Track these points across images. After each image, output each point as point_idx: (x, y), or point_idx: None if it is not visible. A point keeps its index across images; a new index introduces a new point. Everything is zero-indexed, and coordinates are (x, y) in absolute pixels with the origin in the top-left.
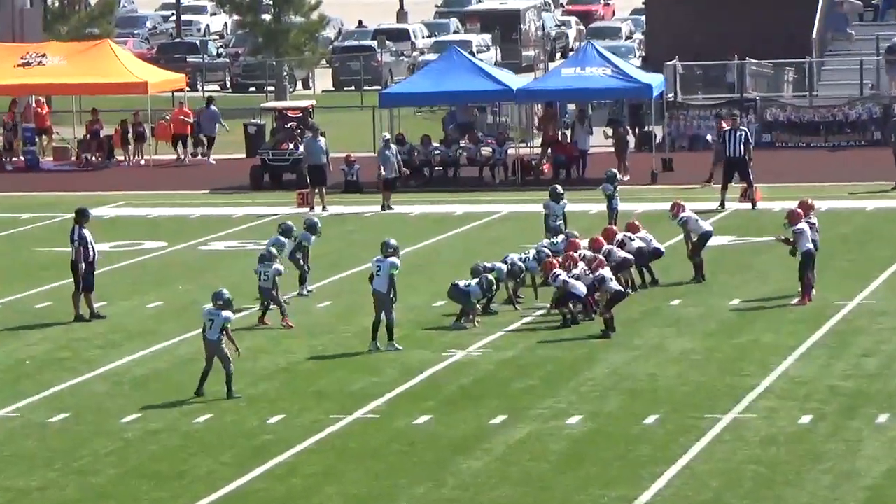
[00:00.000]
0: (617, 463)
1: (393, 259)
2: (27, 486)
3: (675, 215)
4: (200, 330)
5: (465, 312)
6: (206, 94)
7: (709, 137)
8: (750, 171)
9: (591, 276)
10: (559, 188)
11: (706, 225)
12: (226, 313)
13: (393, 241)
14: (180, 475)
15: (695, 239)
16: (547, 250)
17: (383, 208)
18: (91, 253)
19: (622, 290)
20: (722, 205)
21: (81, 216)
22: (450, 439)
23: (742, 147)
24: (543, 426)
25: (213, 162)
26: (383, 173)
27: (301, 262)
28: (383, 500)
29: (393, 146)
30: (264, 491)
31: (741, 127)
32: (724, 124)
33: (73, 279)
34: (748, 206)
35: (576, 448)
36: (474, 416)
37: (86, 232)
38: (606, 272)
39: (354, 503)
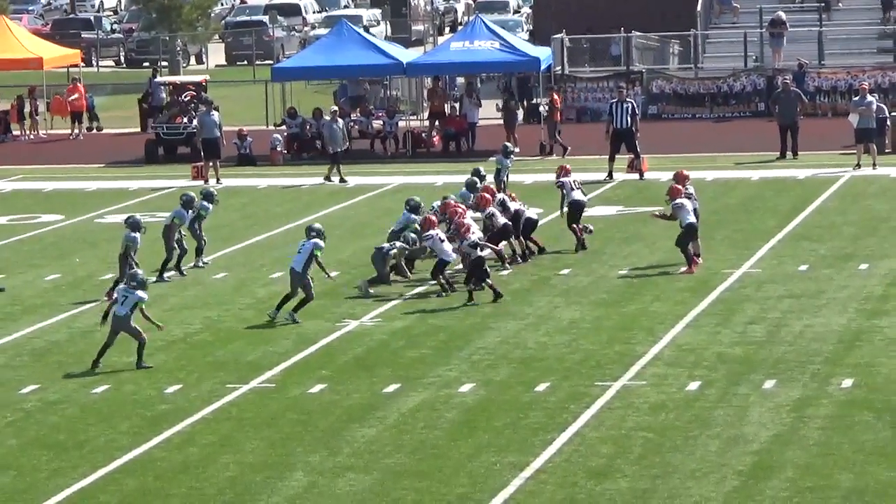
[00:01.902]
0: (508, 430)
1: (316, 240)
2: None
3: (557, 176)
4: (98, 301)
5: (378, 279)
6: (153, 69)
7: (541, 107)
8: (637, 142)
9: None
10: (510, 145)
11: (579, 194)
12: (140, 293)
13: (317, 225)
14: (79, 445)
15: (565, 208)
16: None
17: (328, 179)
18: None
19: (481, 256)
20: (610, 175)
21: None
22: (344, 408)
23: (629, 119)
24: (436, 394)
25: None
26: (330, 147)
27: (198, 231)
28: (279, 468)
29: (340, 120)
30: (162, 459)
31: (628, 99)
32: (556, 96)
33: None
34: (636, 176)
35: (468, 416)
36: (368, 385)
37: None
38: (474, 236)
39: (251, 471)
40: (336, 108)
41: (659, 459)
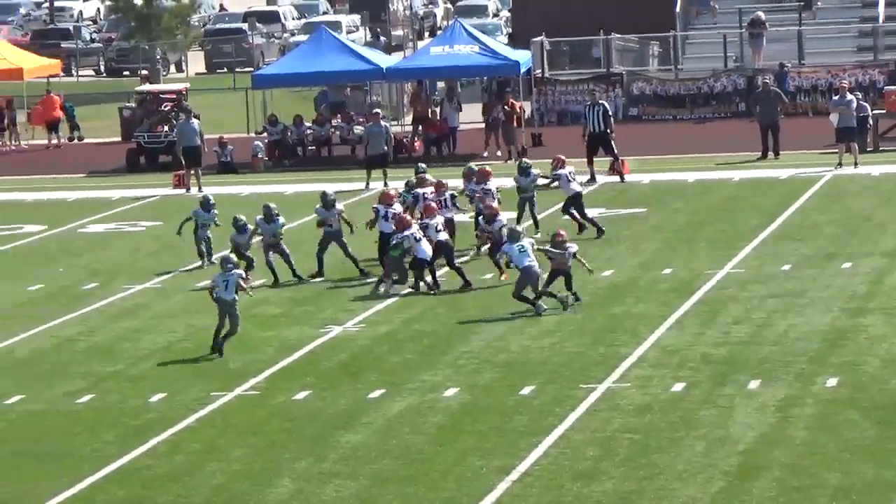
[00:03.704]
0: (494, 434)
1: (527, 240)
2: None
3: (553, 168)
4: (208, 292)
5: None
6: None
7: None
8: (613, 144)
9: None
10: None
11: (576, 185)
12: (237, 272)
13: (519, 228)
14: (65, 455)
15: (565, 198)
16: None
17: (367, 187)
18: None
19: (445, 241)
20: (592, 178)
21: None
22: (329, 414)
23: (602, 121)
24: (421, 399)
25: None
26: (369, 150)
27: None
28: (266, 475)
29: (383, 122)
30: (148, 468)
31: (600, 101)
32: (514, 101)
33: None
34: (617, 178)
35: (453, 420)
36: (353, 391)
37: None
38: (433, 221)
39: (237, 479)
40: (378, 110)
41: (645, 461)
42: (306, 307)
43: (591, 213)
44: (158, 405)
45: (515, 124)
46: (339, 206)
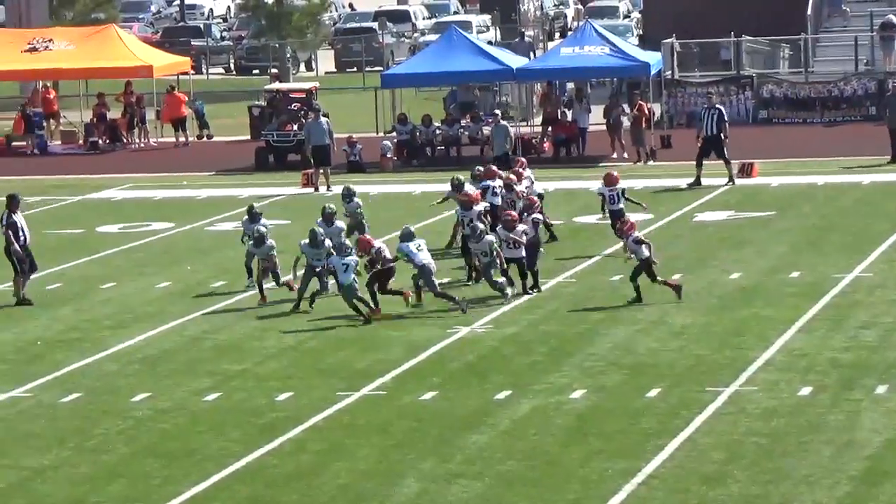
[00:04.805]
0: (620, 436)
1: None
2: (40, 465)
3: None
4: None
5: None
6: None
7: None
8: (725, 149)
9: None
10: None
11: (498, 200)
12: (354, 257)
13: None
14: (190, 453)
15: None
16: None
17: None
18: (22, 237)
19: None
20: (697, 181)
21: (11, 202)
22: (456, 415)
23: (716, 125)
24: (548, 401)
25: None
26: (494, 150)
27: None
28: (391, 475)
29: (503, 122)
30: (273, 467)
31: (717, 105)
32: (643, 103)
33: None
34: (748, 181)
35: (580, 422)
36: (479, 392)
37: (16, 217)
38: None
39: (363, 478)
40: (497, 111)
41: (771, 465)
42: (433, 308)
43: (719, 215)
44: (284, 404)
45: (644, 126)
46: (340, 223)
